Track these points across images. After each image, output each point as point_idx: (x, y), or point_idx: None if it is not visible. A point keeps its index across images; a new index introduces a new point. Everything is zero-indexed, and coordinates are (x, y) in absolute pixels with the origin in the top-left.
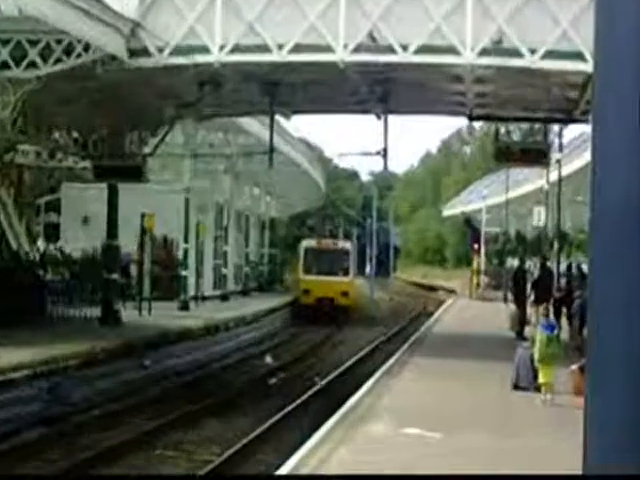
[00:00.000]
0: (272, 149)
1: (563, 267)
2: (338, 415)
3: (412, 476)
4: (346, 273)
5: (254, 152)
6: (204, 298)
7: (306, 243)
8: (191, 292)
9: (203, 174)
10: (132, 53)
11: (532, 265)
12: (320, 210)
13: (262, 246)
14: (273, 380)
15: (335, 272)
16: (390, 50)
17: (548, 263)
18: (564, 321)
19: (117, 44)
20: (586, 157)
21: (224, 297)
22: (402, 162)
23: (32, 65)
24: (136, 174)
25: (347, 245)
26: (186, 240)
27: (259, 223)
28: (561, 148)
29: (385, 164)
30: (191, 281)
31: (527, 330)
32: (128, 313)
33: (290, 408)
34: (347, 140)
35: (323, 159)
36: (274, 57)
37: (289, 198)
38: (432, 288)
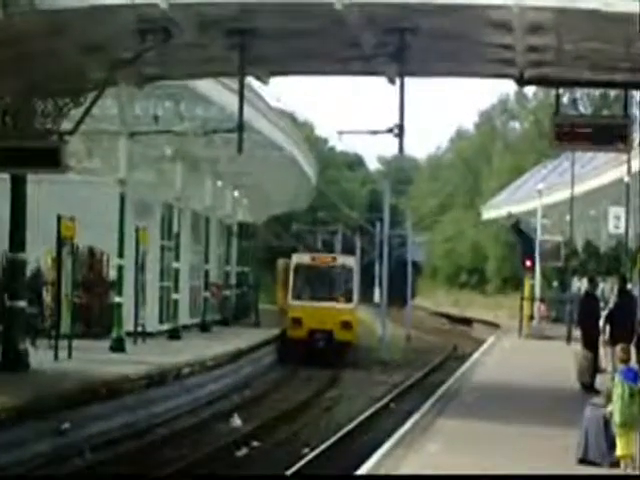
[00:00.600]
0: (242, 126)
1: None
2: None
3: (415, 476)
4: (349, 298)
5: (216, 130)
6: (147, 335)
7: (297, 258)
8: (128, 327)
9: (145, 161)
10: None
11: (607, 289)
12: (309, 212)
13: (228, 262)
14: (243, 451)
15: (334, 297)
16: None
17: (629, 286)
18: None
19: None
20: None
21: (174, 333)
22: (425, 143)
23: None
24: (51, 160)
25: (350, 261)
26: (121, 254)
27: (224, 230)
28: None
29: (401, 146)
30: (128, 311)
31: (600, 381)
32: (40, 356)
33: None
34: (348, 114)
35: (314, 140)
36: None
37: (266, 195)
38: (467, 321)
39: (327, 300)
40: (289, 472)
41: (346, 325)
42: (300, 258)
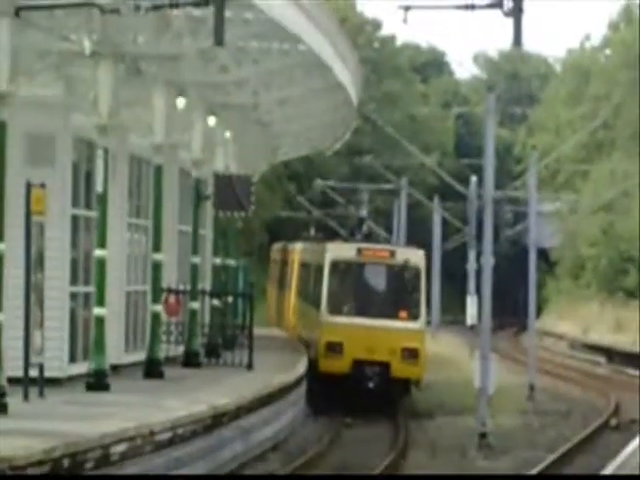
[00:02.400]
0: None
1: None
2: None
3: (412, 476)
4: (414, 314)
5: (176, 2)
6: (48, 382)
7: (334, 251)
8: (13, 368)
9: (43, 59)
10: None
11: None
12: (346, 157)
13: (197, 249)
14: None
15: (392, 312)
16: None
17: None
18: None
19: None
20: None
21: (98, 380)
22: (562, 35)
23: None
24: None
25: (417, 257)
26: None
27: (190, 188)
28: None
29: (518, 32)
30: (12, 339)
31: None
32: None
33: None
34: None
35: (358, 24)
36: None
37: (266, 125)
38: None
39: (381, 316)
40: None
41: (411, 354)
42: (339, 251)
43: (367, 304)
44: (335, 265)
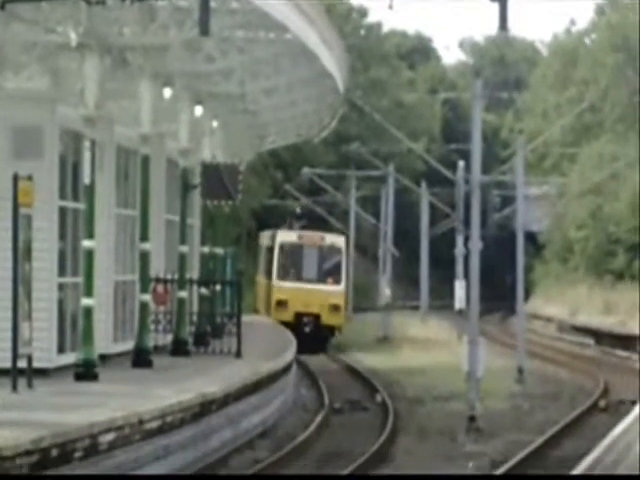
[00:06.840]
0: None
1: None
2: None
3: (412, 476)
4: (337, 280)
5: None
6: (36, 373)
7: (282, 236)
8: (2, 361)
9: (29, 51)
10: None
11: None
12: (333, 144)
13: (184, 238)
14: None
15: (321, 278)
16: None
17: None
18: None
19: None
20: None
21: (86, 370)
22: (546, 18)
23: None
24: None
25: (339, 241)
26: None
27: (177, 178)
28: None
29: (503, 20)
30: (1, 330)
31: None
32: None
33: None
34: None
35: (343, 11)
36: None
37: (252, 114)
38: (628, 341)
39: (314, 281)
40: None
41: (335, 308)
42: (285, 236)
43: (305, 273)
44: (282, 246)
